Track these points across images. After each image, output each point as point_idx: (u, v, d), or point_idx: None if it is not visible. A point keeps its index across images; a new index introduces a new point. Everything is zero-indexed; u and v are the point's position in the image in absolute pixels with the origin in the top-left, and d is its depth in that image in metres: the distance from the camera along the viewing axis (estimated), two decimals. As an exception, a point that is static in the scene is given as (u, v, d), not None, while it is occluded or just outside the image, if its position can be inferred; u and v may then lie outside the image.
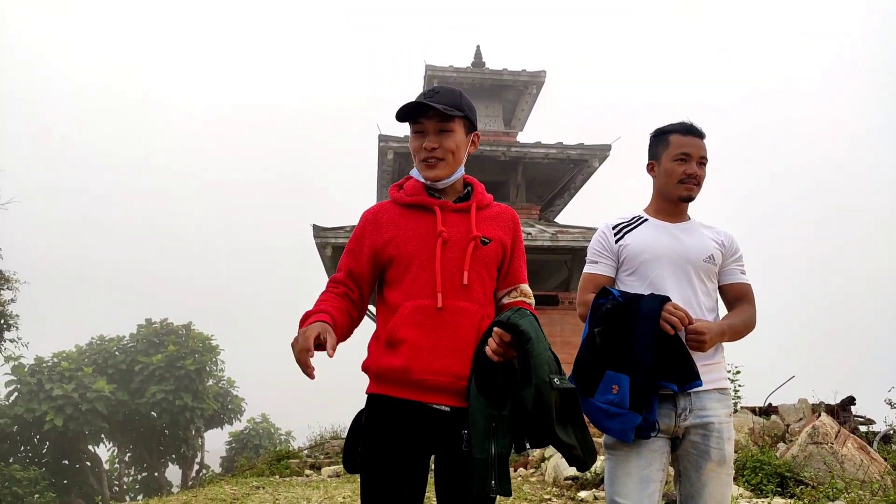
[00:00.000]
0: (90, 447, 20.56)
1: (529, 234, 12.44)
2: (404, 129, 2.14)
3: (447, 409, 1.84)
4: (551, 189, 15.97)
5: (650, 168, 2.48)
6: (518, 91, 15.99)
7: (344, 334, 1.93)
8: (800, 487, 4.77)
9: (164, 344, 21.27)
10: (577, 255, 13.01)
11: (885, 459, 5.59)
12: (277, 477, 9.35)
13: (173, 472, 22.25)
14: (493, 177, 15.38)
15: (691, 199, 2.40)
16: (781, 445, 6.37)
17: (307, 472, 9.83)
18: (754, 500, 4.42)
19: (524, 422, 1.76)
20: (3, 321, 16.10)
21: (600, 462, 5.93)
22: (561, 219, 16.48)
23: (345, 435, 2.41)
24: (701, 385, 2.17)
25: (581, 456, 1.83)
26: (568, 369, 1.99)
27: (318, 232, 12.21)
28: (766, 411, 8.66)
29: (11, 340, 16.70)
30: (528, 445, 1.84)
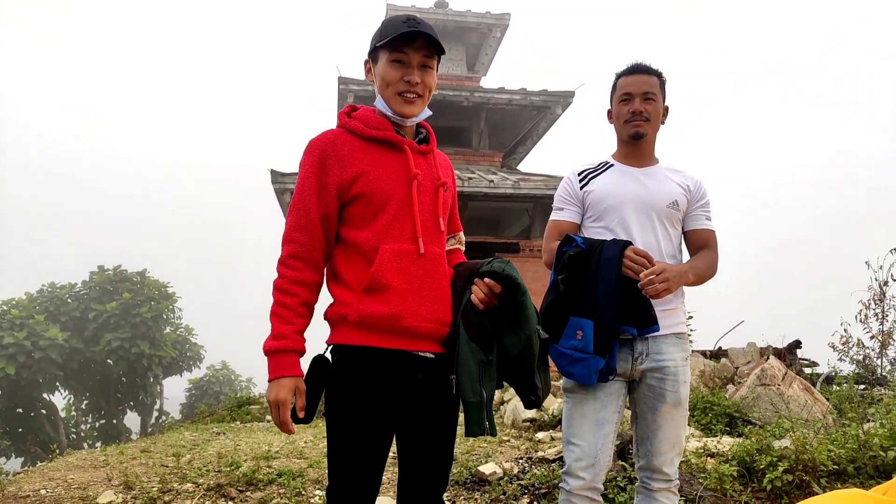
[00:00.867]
0: (45, 395, 20.22)
1: (492, 181, 12.37)
2: (362, 72, 2.04)
3: (431, 356, 1.82)
4: (514, 136, 15.87)
5: (608, 116, 2.50)
6: (482, 34, 15.68)
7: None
8: (748, 427, 4.96)
9: (118, 291, 20.79)
10: (539, 203, 13.04)
11: (828, 400, 5.85)
12: (238, 423, 9.35)
13: (132, 420, 22.11)
14: (455, 122, 15.18)
15: (640, 136, 2.37)
16: (731, 387, 6.60)
17: (268, 417, 9.84)
18: (704, 438, 4.59)
19: (505, 367, 1.85)
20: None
21: (557, 404, 6.10)
22: (524, 166, 16.45)
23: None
24: (658, 330, 2.19)
25: (540, 397, 1.90)
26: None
27: (277, 178, 11.76)
28: (717, 354, 8.96)
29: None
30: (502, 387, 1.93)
